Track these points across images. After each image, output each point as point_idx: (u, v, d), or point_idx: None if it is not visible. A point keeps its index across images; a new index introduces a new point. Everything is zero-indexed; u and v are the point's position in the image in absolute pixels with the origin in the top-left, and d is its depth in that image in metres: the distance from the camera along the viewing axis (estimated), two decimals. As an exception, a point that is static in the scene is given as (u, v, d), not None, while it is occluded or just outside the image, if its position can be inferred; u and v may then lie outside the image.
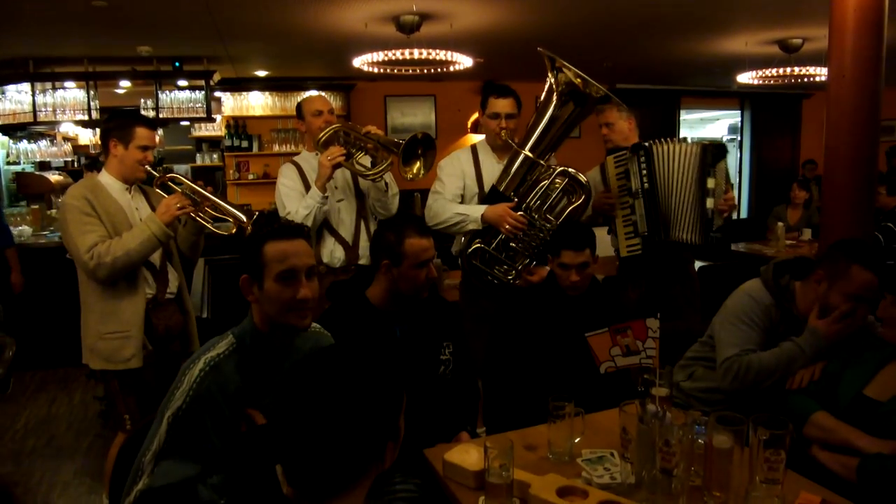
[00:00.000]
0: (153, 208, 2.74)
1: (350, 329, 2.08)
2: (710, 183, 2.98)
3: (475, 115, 8.22)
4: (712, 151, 2.96)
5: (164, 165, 7.66)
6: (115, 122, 2.70)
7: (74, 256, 2.58)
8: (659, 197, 3.06)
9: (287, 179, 3.11)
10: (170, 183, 2.77)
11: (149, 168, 2.71)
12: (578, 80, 2.76)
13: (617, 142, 3.24)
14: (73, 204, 2.55)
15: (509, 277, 2.96)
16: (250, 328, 1.65)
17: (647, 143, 3.08)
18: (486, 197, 3.00)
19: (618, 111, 3.24)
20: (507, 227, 2.86)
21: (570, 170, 2.91)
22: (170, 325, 2.77)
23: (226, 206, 2.73)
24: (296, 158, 3.21)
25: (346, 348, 1.34)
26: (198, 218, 2.72)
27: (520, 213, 2.86)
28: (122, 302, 2.61)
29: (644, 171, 3.06)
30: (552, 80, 2.86)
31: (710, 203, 2.99)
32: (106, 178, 2.69)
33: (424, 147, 2.94)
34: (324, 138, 3.01)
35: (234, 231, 2.75)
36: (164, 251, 2.76)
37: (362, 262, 3.13)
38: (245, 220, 2.70)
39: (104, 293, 2.61)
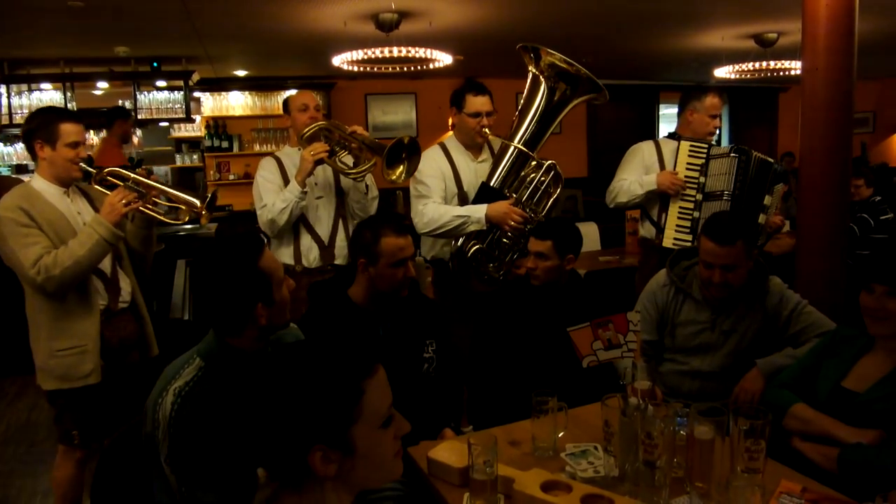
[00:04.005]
0: (97, 211, 2.50)
1: (332, 329, 2.08)
2: (767, 200, 3.03)
3: (456, 113, 8.21)
4: (777, 171, 3.05)
5: (144, 167, 7.58)
6: (37, 122, 2.43)
7: (18, 273, 2.35)
8: (745, 206, 3.02)
9: (266, 172, 3.07)
10: (110, 178, 2.54)
11: (83, 165, 2.48)
12: (565, 63, 2.83)
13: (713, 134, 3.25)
14: (8, 216, 2.31)
15: (500, 273, 2.97)
16: (218, 346, 1.58)
17: (745, 148, 3.07)
18: (478, 195, 2.97)
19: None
20: (513, 223, 2.84)
21: (555, 163, 2.97)
22: (123, 337, 2.56)
23: (175, 192, 2.56)
24: (277, 153, 3.17)
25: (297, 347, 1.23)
26: (147, 211, 2.51)
27: (519, 208, 2.88)
28: (75, 315, 2.40)
29: (741, 176, 3.03)
30: (535, 71, 2.89)
31: (762, 219, 3.02)
32: (40, 184, 2.44)
33: (409, 152, 2.90)
34: (308, 134, 2.96)
35: (187, 219, 2.58)
36: (114, 255, 2.56)
37: (338, 261, 3.10)
38: (198, 205, 2.53)
39: (53, 307, 2.39)
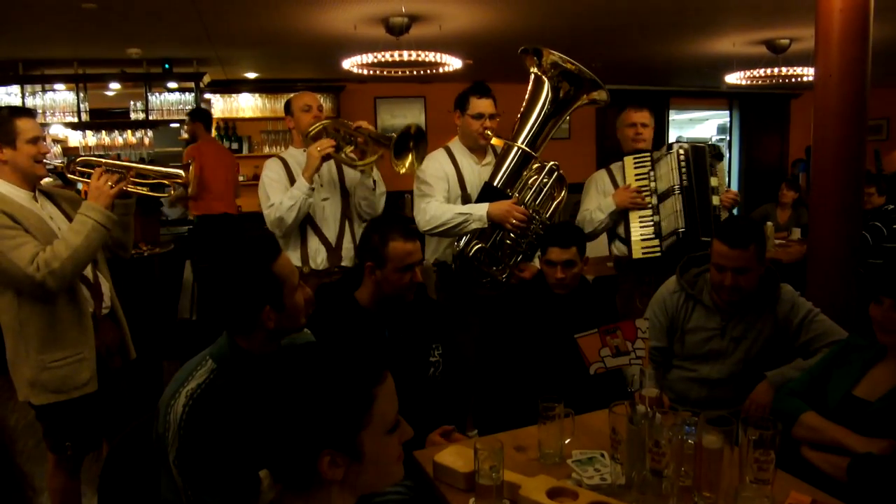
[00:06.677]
0: (66, 214, 2.41)
1: (338, 331, 2.08)
2: (714, 181, 3.10)
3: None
4: (711, 152, 3.13)
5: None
6: None
7: (13, 277, 2.18)
8: (695, 195, 3.08)
9: (272, 172, 3.07)
10: (81, 168, 2.45)
11: (48, 161, 2.38)
12: (569, 64, 2.87)
13: (648, 143, 3.28)
14: None
15: (503, 276, 2.96)
16: (230, 349, 1.57)
17: (680, 143, 3.16)
18: (481, 194, 2.97)
19: (650, 114, 3.32)
20: (515, 221, 2.84)
21: (558, 166, 2.99)
22: (108, 344, 2.48)
23: (154, 168, 2.50)
24: (282, 154, 3.18)
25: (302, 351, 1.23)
26: (132, 189, 2.42)
27: (521, 207, 2.88)
28: (67, 323, 2.29)
29: (684, 168, 3.08)
30: (538, 72, 2.93)
31: (715, 200, 3.09)
32: (6, 189, 2.27)
33: (416, 140, 2.89)
34: (313, 132, 2.97)
35: (174, 193, 2.56)
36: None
37: (345, 263, 3.09)
38: (182, 175, 2.49)
39: (43, 317, 2.25)
